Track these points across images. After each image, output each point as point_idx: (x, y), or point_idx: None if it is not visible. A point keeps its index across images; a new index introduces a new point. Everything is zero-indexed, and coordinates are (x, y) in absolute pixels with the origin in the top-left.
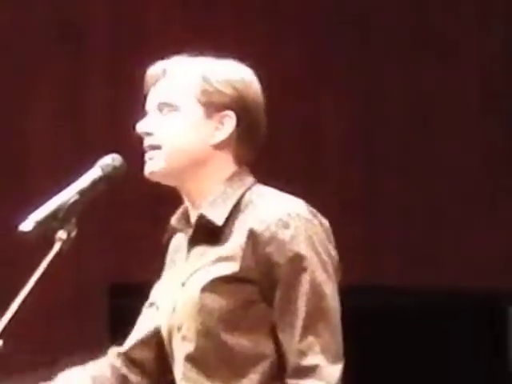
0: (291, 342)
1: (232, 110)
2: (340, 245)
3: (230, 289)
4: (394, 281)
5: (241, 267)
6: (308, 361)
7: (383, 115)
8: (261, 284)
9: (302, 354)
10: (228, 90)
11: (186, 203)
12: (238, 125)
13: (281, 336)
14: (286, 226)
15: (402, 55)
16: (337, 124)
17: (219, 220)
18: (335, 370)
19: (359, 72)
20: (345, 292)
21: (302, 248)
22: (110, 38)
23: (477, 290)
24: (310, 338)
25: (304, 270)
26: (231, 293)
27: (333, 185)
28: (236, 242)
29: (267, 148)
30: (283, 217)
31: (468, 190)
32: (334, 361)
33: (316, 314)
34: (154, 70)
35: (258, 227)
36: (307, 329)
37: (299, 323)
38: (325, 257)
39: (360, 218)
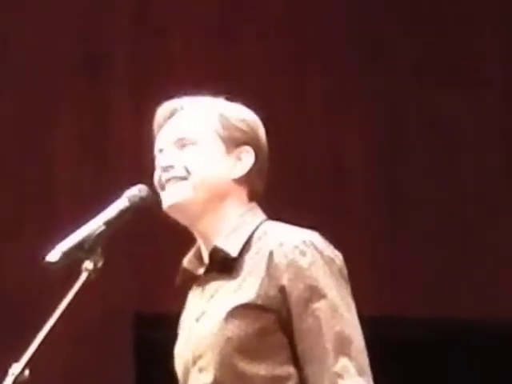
0: (323, 367)
1: (249, 145)
2: (364, 277)
3: (247, 318)
4: (418, 313)
5: (258, 295)
6: (346, 383)
7: (407, 145)
8: (279, 312)
9: (339, 376)
10: (244, 127)
11: (199, 242)
12: (255, 160)
13: (308, 363)
14: (303, 253)
15: (426, 81)
16: (361, 156)
17: (234, 251)
18: None
19: (384, 102)
20: (369, 323)
21: (320, 275)
22: (133, 65)
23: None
24: (344, 361)
25: (323, 296)
26: (249, 322)
27: (357, 218)
28: (252, 271)
29: (292, 183)
30: (299, 245)
31: (494, 217)
32: (370, 383)
33: (344, 338)
34: (166, 108)
35: (276, 253)
36: (339, 353)
37: (329, 348)
38: (343, 283)
39: (384, 250)
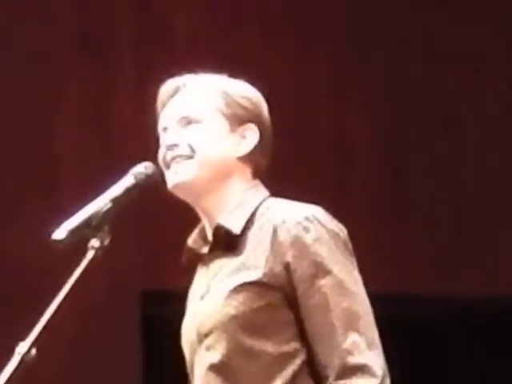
0: (332, 344)
1: (253, 122)
2: (369, 255)
3: (252, 295)
4: (422, 290)
5: (263, 273)
6: (356, 359)
7: (409, 127)
8: (284, 289)
9: (349, 353)
10: (248, 105)
11: (203, 221)
12: (259, 138)
13: (316, 341)
14: (307, 229)
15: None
16: (364, 134)
17: (236, 229)
18: (382, 365)
19: (384, 85)
20: (372, 301)
21: (325, 250)
22: (135, 47)
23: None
24: (354, 337)
25: (329, 272)
26: (254, 298)
27: (359, 196)
28: (256, 249)
29: (297, 163)
30: (303, 220)
31: (496, 198)
32: (380, 356)
33: (353, 313)
34: (169, 86)
35: (280, 230)
36: (348, 328)
37: (337, 324)
38: (348, 257)
39: (387, 228)
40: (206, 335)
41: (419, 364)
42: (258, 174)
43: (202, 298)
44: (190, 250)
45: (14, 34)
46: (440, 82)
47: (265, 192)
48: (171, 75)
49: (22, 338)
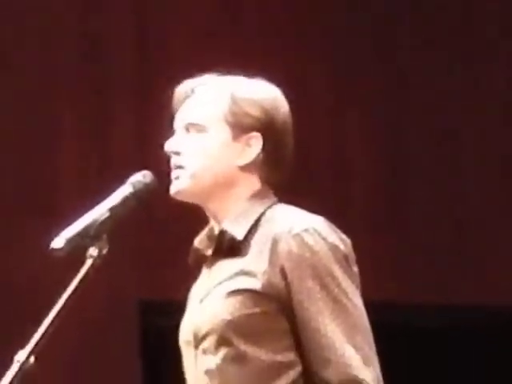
0: (328, 358)
1: (259, 131)
2: (368, 265)
3: (249, 301)
4: (422, 300)
5: (260, 282)
6: (353, 374)
7: (408, 133)
8: (280, 299)
9: (346, 367)
10: (256, 112)
11: (212, 222)
12: (264, 146)
13: (311, 354)
14: (306, 241)
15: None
16: (362, 145)
17: (239, 234)
18: (378, 382)
19: (384, 93)
20: (375, 309)
21: (323, 263)
22: (135, 57)
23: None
24: (351, 352)
25: (326, 285)
26: (250, 306)
27: (359, 208)
28: (256, 257)
29: (293, 172)
30: (302, 232)
31: (497, 208)
32: (376, 372)
33: (349, 328)
34: (182, 89)
35: (279, 241)
36: (344, 343)
37: (334, 338)
38: (348, 270)
39: (386, 238)
40: (203, 338)
41: (420, 373)
42: (266, 183)
43: (201, 300)
44: (196, 250)
45: (13, 46)
46: (440, 91)
47: (272, 199)
48: (172, 87)
49: (22, 347)
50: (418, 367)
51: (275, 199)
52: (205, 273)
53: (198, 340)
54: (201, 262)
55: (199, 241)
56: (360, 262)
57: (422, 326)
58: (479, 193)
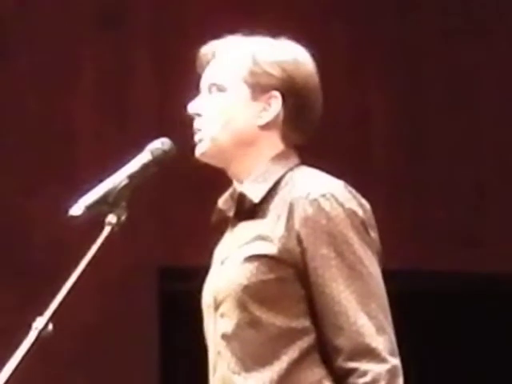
0: (340, 326)
1: (279, 90)
2: (387, 228)
3: (264, 267)
4: (444, 265)
5: (278, 249)
6: (366, 342)
7: (428, 95)
8: (296, 265)
9: (359, 335)
10: (276, 72)
11: (235, 183)
12: (285, 106)
13: (325, 321)
14: (322, 207)
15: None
16: (383, 104)
17: (256, 197)
18: (392, 350)
19: (403, 53)
20: (393, 276)
21: (339, 230)
22: (153, 21)
23: None
24: (364, 319)
25: (342, 252)
26: (265, 271)
27: (379, 169)
28: (273, 221)
29: (317, 140)
30: (318, 198)
31: None
32: (389, 341)
33: (363, 295)
34: (205, 51)
35: (296, 206)
36: (358, 310)
37: (348, 306)
38: (365, 237)
39: (407, 202)
40: (221, 302)
41: (441, 340)
42: (289, 143)
43: (222, 262)
44: (220, 211)
45: (32, 11)
46: (459, 54)
47: (294, 161)
48: (193, 50)
49: (40, 313)
50: (438, 334)
51: (298, 161)
52: (228, 234)
53: (217, 304)
54: (224, 223)
55: (223, 201)
56: (379, 224)
57: (443, 292)
58: (499, 153)
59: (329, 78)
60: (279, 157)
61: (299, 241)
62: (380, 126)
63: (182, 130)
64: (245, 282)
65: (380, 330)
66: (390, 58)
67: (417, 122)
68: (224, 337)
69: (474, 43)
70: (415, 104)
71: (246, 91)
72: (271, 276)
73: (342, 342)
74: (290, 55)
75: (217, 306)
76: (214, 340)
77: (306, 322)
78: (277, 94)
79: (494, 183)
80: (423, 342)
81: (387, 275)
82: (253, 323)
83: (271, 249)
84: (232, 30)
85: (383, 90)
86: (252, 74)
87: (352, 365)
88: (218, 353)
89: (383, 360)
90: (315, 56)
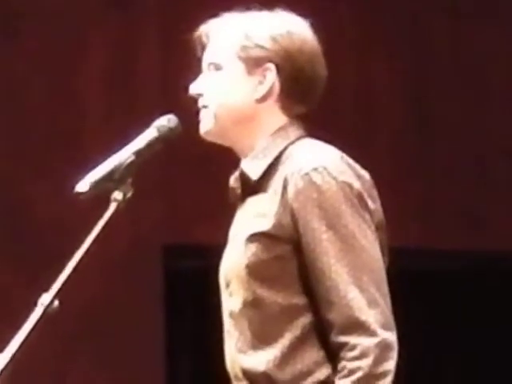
0: (332, 299)
1: (273, 62)
2: (391, 207)
3: (263, 246)
4: (448, 245)
5: (273, 225)
6: (355, 316)
7: (436, 72)
8: (292, 241)
9: (349, 309)
10: (268, 44)
11: (242, 160)
12: (280, 76)
13: (316, 295)
14: (314, 180)
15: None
16: (387, 79)
17: (255, 174)
18: (384, 323)
19: (409, 27)
20: (399, 254)
21: (331, 203)
22: (161, 0)
23: None
24: (354, 293)
25: (333, 226)
26: (264, 249)
27: (384, 147)
28: (271, 197)
29: (320, 105)
30: (310, 171)
31: None
32: (382, 314)
33: (355, 269)
34: (200, 32)
35: (289, 181)
36: (348, 284)
37: (338, 279)
38: (359, 210)
39: (413, 181)
40: (230, 281)
41: (444, 318)
42: (292, 114)
43: (233, 240)
44: (232, 189)
45: None
46: (467, 32)
47: (296, 134)
48: (197, 26)
49: (46, 290)
50: (442, 312)
51: (301, 133)
52: (239, 211)
53: (227, 282)
54: (239, 200)
55: (234, 179)
56: (383, 202)
57: (448, 271)
58: (506, 133)
59: (333, 52)
60: (280, 130)
61: (293, 216)
62: (385, 102)
63: (189, 108)
64: (246, 262)
65: (372, 303)
66: (394, 33)
67: (423, 99)
68: (232, 315)
69: (483, 22)
70: (422, 81)
71: (240, 67)
72: (269, 255)
73: (333, 316)
74: (282, 26)
75: (227, 284)
76: (225, 319)
77: (305, 300)
78: (271, 65)
79: (499, 163)
80: (426, 321)
81: (391, 253)
82: (256, 302)
83: (267, 225)
84: (239, 8)
85: (390, 66)
86: (244, 48)
87: (343, 339)
88: (228, 331)
89: (373, 333)
90: (320, 30)
